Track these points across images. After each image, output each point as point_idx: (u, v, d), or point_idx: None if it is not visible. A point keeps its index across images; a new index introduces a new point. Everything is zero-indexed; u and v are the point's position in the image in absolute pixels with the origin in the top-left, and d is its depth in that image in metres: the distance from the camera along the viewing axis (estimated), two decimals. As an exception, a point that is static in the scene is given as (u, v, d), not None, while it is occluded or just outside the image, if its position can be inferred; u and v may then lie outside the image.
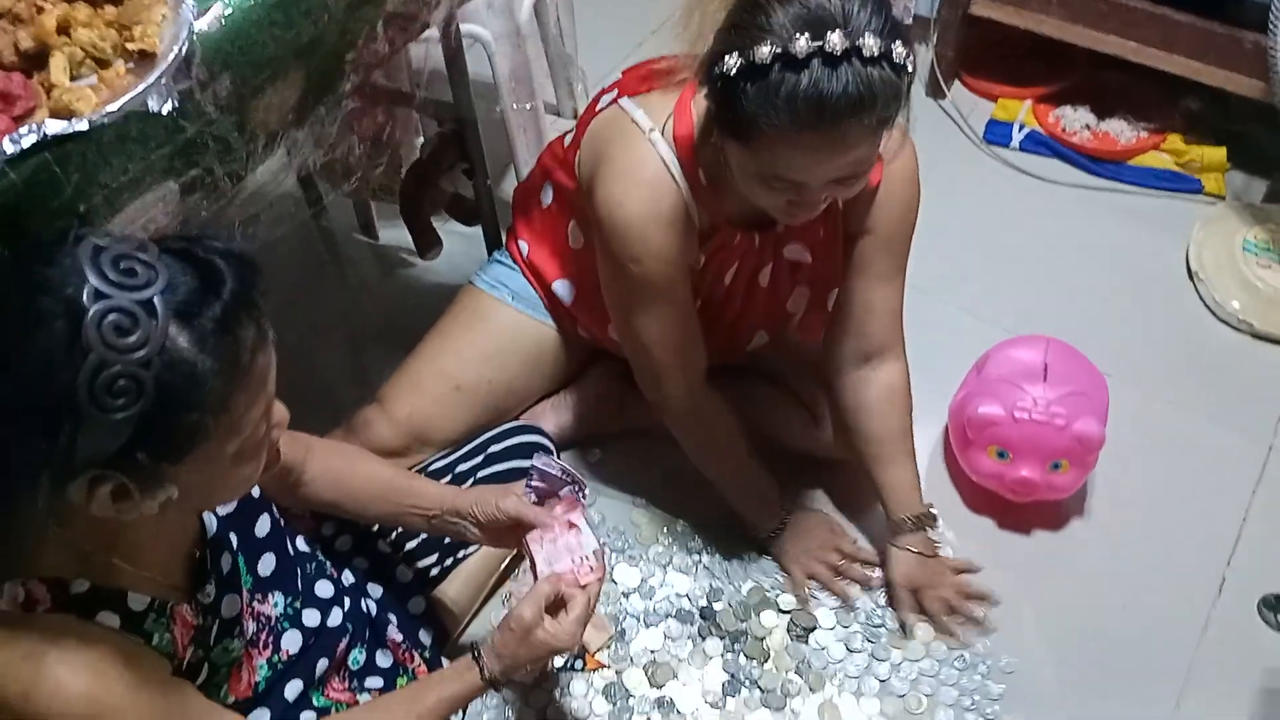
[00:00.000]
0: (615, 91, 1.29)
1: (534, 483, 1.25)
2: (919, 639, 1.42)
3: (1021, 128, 2.13)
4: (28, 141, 0.76)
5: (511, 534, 1.22)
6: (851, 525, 1.56)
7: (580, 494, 1.25)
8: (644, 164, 1.22)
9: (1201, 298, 1.85)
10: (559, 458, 1.50)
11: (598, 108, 1.31)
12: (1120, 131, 2.10)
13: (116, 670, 0.86)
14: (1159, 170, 2.06)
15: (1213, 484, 1.60)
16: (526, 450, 1.49)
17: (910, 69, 1.03)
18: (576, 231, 1.44)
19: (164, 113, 0.82)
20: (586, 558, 1.17)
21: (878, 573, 1.48)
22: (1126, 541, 1.54)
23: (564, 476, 1.25)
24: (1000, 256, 1.94)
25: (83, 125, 0.78)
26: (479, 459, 1.48)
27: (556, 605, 1.13)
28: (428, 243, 1.65)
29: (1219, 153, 2.03)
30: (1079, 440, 1.45)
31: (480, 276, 1.59)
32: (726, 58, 1.03)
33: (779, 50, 0.99)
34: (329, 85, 1.05)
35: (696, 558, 1.53)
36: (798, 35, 0.98)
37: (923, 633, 1.43)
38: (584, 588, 1.14)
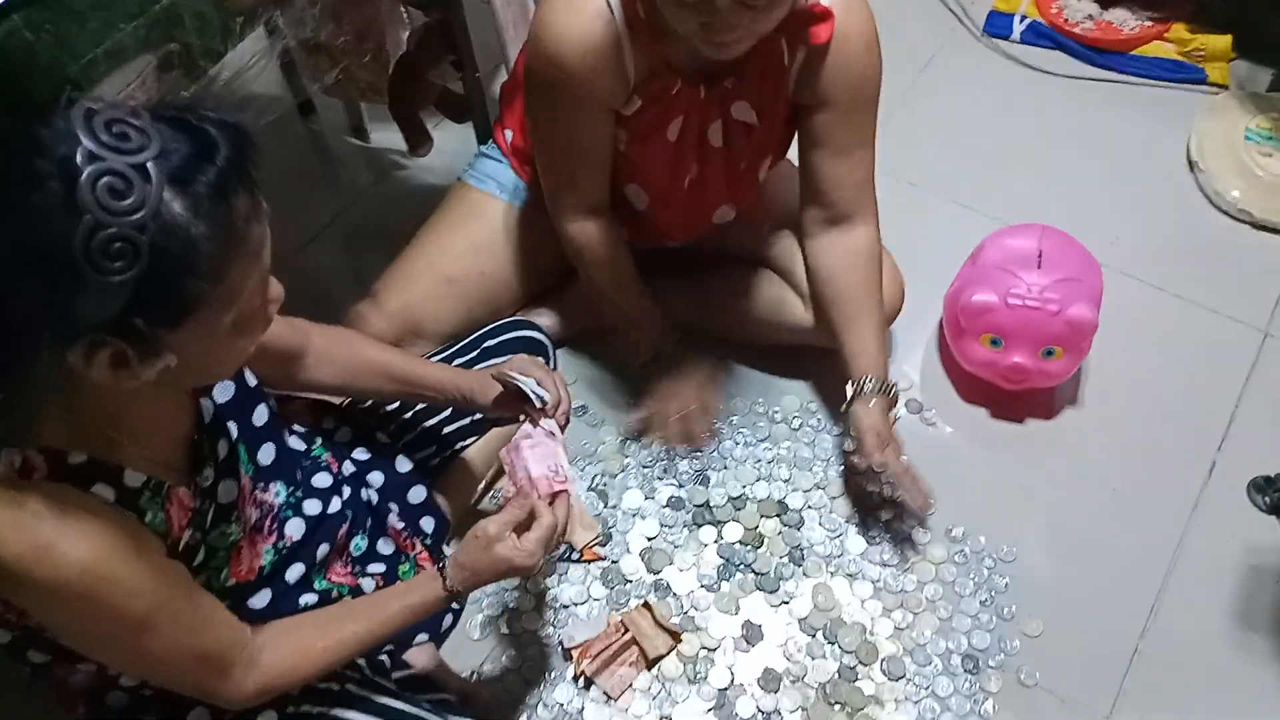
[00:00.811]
0: None
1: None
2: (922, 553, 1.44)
3: (1023, 19, 2.09)
4: (-7, 4, 0.74)
5: (512, 405, 1.26)
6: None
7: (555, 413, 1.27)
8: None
9: (1201, 187, 1.84)
10: (554, 354, 1.52)
11: None
12: (1124, 20, 2.06)
13: (111, 543, 0.87)
14: (1162, 60, 2.02)
15: (1207, 371, 1.61)
16: (521, 345, 1.50)
17: None
18: None
19: (135, -22, 0.81)
20: (561, 467, 1.20)
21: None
22: (1119, 428, 1.56)
23: (530, 393, 1.25)
24: (997, 149, 1.91)
25: (51, -13, 0.76)
26: (474, 354, 1.48)
27: (524, 526, 1.15)
28: (418, 140, 1.64)
29: (1224, 41, 2.00)
30: (1072, 326, 1.45)
31: (469, 172, 1.59)
32: None
33: None
34: (307, -39, 1.03)
35: (690, 457, 1.55)
36: None
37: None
38: (553, 500, 1.17)
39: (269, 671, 1.04)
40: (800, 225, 1.44)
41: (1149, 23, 2.04)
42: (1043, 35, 2.08)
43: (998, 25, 2.10)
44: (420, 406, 1.40)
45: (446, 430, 1.42)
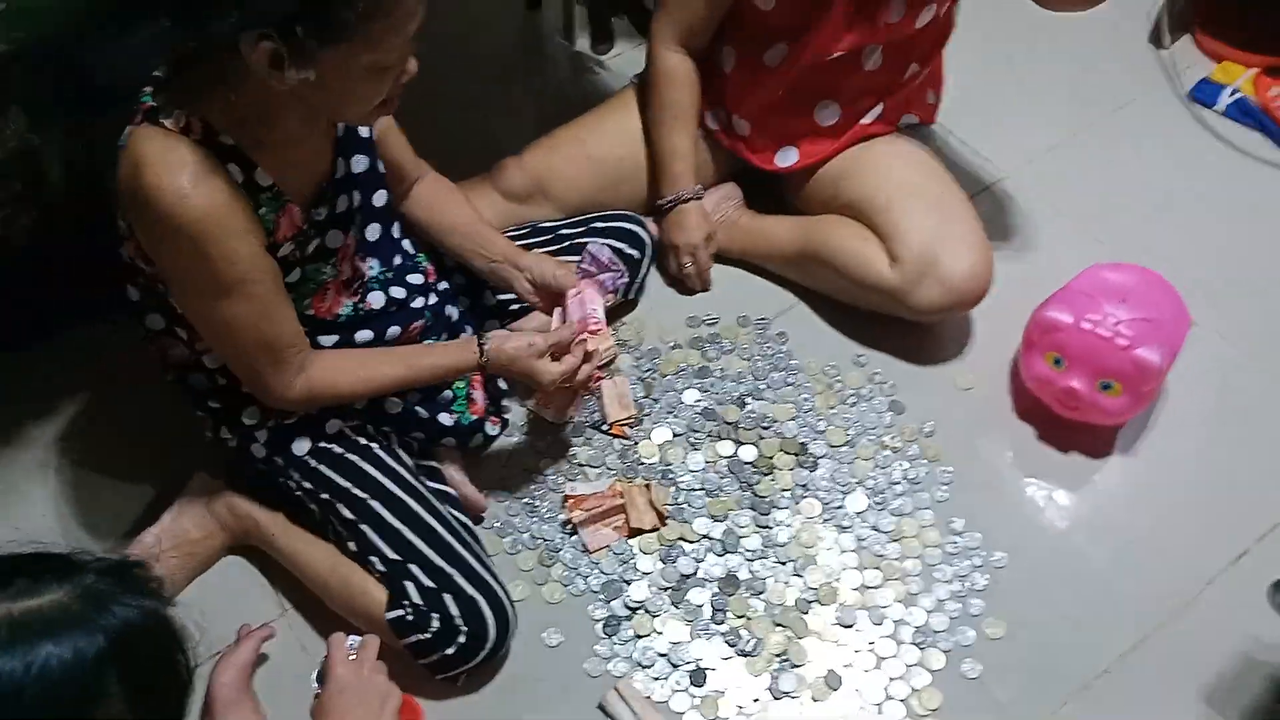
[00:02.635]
0: None
1: (584, 264, 1.49)
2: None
3: (1234, 93, 2.03)
4: None
5: (551, 296, 1.46)
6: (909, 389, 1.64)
7: (618, 281, 1.51)
8: None
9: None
10: (650, 253, 1.67)
11: None
12: (1341, 120, 1.96)
13: (228, 208, 1.09)
14: (1368, 169, 1.92)
15: (1273, 467, 1.55)
16: (624, 235, 1.65)
17: None
18: (729, 52, 1.60)
19: None
20: (597, 313, 1.42)
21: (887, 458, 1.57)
22: (1163, 488, 1.53)
23: (610, 263, 1.50)
24: (1156, 205, 1.88)
25: None
26: (580, 229, 1.65)
27: (561, 353, 1.37)
28: (601, 36, 1.82)
29: None
30: (1136, 365, 1.44)
31: (638, 76, 1.75)
32: None
33: None
34: None
35: (739, 381, 1.65)
36: None
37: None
38: (589, 336, 1.39)
39: (314, 379, 1.25)
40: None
41: (1367, 129, 1.94)
42: (1248, 114, 2.01)
43: (1205, 93, 2.04)
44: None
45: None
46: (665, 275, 1.76)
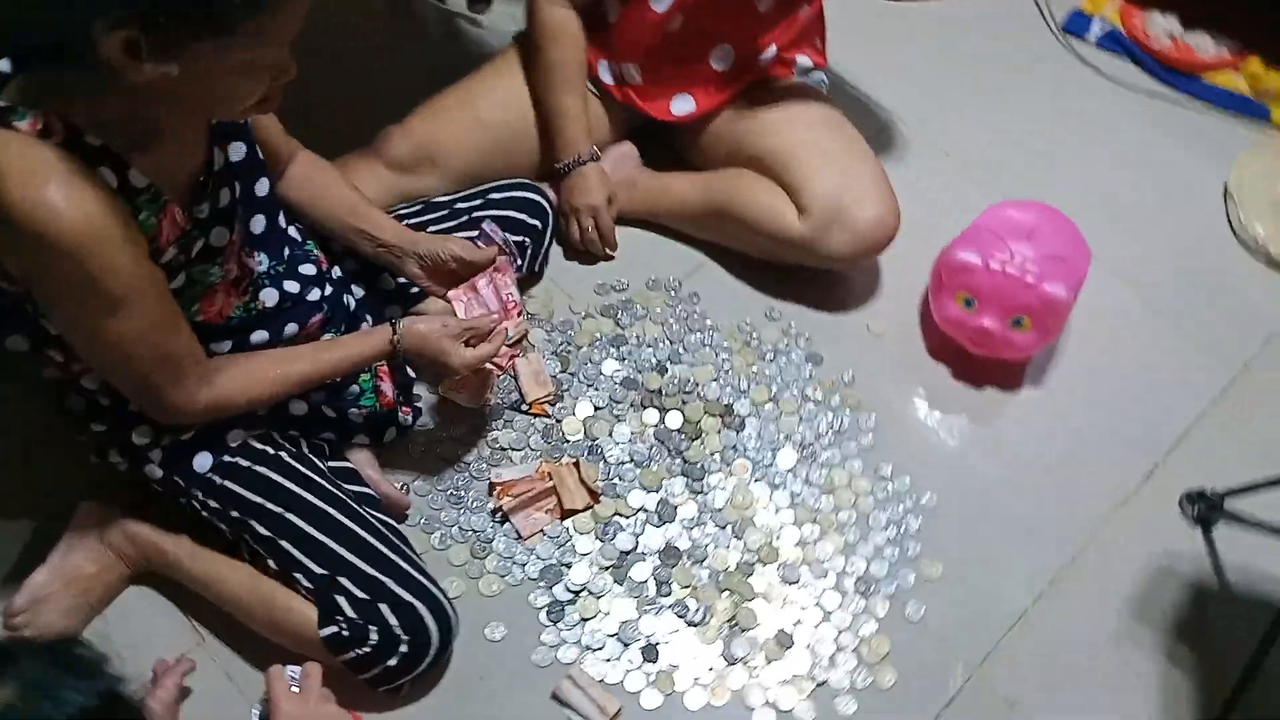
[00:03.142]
0: None
1: (479, 241, 1.42)
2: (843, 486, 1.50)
3: (1103, 23, 2.08)
4: None
5: (447, 277, 1.39)
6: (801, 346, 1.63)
7: (515, 264, 1.44)
8: None
9: (1228, 216, 1.83)
10: (552, 220, 1.60)
11: None
12: (1203, 45, 2.04)
13: (104, 218, 0.96)
14: (1230, 92, 2.01)
15: (1177, 384, 1.63)
16: (523, 204, 1.58)
17: None
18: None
19: None
20: (512, 295, 1.37)
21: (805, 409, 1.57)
22: (1073, 416, 1.58)
23: (505, 246, 1.43)
24: (1040, 137, 1.93)
25: None
26: (478, 201, 1.56)
27: (478, 340, 1.32)
28: (478, -2, 1.71)
29: (1296, 84, 1.97)
30: (1044, 301, 1.48)
31: (521, 33, 1.66)
32: None
33: None
34: None
35: (656, 347, 1.62)
36: None
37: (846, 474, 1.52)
38: (505, 322, 1.34)
39: (222, 389, 1.15)
40: None
41: (1226, 53, 2.03)
42: (1118, 43, 2.07)
43: (1077, 24, 2.10)
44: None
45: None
46: (568, 244, 1.70)
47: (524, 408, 1.53)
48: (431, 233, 1.49)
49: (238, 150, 1.20)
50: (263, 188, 1.25)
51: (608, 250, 1.69)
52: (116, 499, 1.34)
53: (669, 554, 1.41)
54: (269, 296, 1.28)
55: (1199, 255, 1.79)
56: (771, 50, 1.61)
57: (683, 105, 1.65)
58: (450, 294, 1.40)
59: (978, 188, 1.80)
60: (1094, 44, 2.09)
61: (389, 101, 1.71)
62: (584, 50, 1.60)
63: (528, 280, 1.65)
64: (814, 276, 1.65)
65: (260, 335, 1.27)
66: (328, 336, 1.37)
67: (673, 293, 1.66)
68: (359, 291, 1.46)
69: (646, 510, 1.45)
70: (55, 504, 1.35)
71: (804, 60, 1.68)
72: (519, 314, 1.39)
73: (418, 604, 1.23)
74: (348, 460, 1.40)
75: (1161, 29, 2.07)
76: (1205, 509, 1.47)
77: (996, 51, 2.05)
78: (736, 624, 1.36)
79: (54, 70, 0.95)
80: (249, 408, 1.20)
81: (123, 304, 1.01)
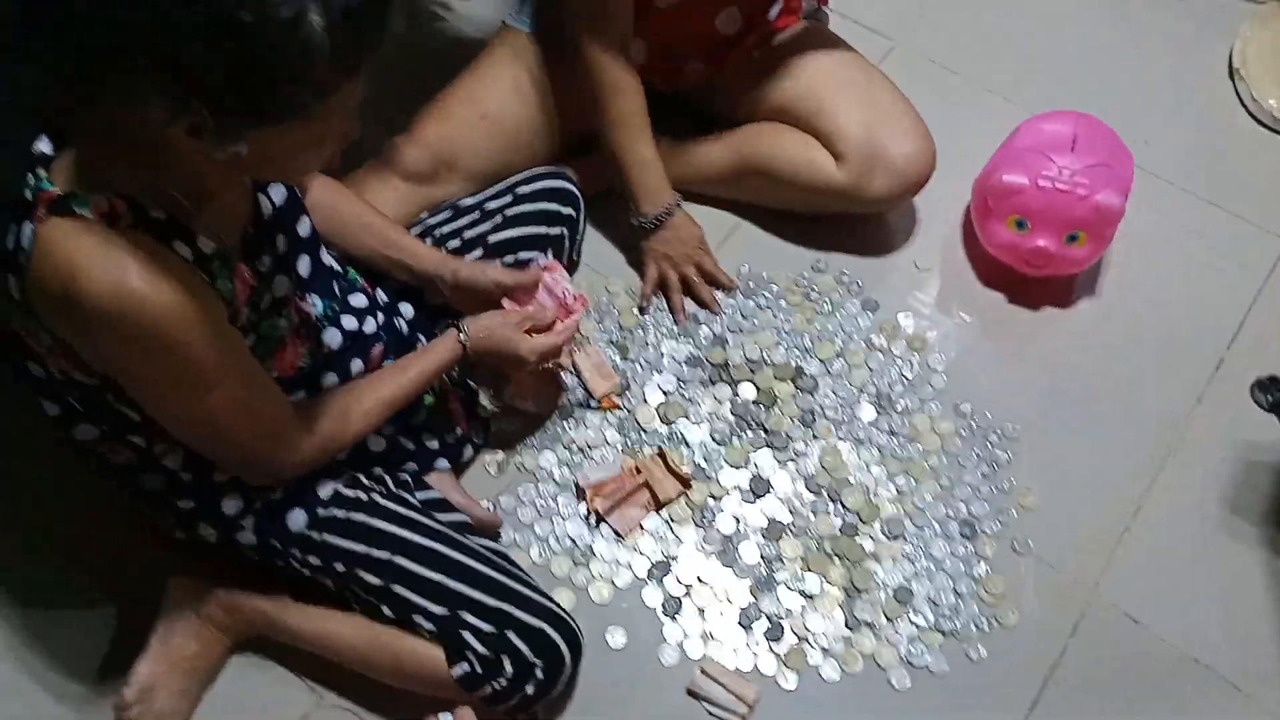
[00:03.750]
0: None
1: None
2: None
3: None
4: None
5: (482, 304, 1.33)
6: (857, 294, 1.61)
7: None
8: None
9: (1239, 94, 1.83)
10: (583, 205, 1.54)
11: None
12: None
13: (189, 295, 0.91)
14: (1217, -37, 1.99)
15: (1224, 272, 1.63)
16: (552, 194, 1.51)
17: None
18: None
19: None
20: (568, 290, 1.34)
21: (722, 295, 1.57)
22: (1133, 320, 1.59)
23: (556, 292, 1.36)
24: (1038, 41, 1.90)
25: None
26: (507, 198, 1.50)
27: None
28: (461, -20, 1.62)
29: (1283, -49, 1.96)
30: (1098, 211, 1.46)
31: (512, 15, 1.59)
32: None
33: None
34: None
35: (710, 319, 1.58)
36: None
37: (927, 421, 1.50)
38: (570, 314, 1.33)
39: (323, 434, 1.12)
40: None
41: (1207, -74, 2.00)
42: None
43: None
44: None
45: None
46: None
47: (593, 403, 1.49)
48: (468, 238, 1.44)
49: (279, 193, 1.13)
50: (304, 227, 1.18)
51: (722, 293, 1.58)
52: (204, 571, 1.28)
53: (772, 529, 1.39)
54: (332, 338, 1.22)
55: (1219, 136, 1.79)
56: (778, 4, 1.55)
57: (691, 71, 1.59)
58: (504, 303, 1.35)
59: (983, 102, 1.78)
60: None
61: (380, 103, 1.62)
62: (643, 93, 1.48)
63: (567, 270, 1.59)
64: (851, 221, 1.62)
65: (331, 378, 1.22)
66: (388, 363, 1.33)
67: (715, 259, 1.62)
68: (408, 311, 1.40)
69: (740, 488, 1.43)
70: (140, 587, 1.29)
71: (808, 2, 1.63)
72: (582, 305, 1.35)
73: (545, 626, 1.20)
74: (433, 489, 1.35)
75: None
76: (1277, 396, 1.48)
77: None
78: (854, 587, 1.35)
79: (112, 148, 0.88)
80: (353, 443, 1.18)
81: (216, 378, 0.96)
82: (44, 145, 0.90)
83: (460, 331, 1.26)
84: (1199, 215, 1.69)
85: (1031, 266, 1.54)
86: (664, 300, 1.58)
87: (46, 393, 1.08)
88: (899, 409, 1.49)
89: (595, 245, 1.64)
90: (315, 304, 1.21)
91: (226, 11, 0.76)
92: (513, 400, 1.46)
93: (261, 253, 1.07)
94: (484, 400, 1.44)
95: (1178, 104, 1.82)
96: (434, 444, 1.36)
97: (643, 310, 1.56)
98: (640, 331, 1.55)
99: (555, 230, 1.49)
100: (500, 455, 1.45)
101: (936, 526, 1.40)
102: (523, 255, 1.45)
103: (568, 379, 1.50)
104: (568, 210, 1.52)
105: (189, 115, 0.81)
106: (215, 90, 0.80)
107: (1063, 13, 1.94)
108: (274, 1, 0.77)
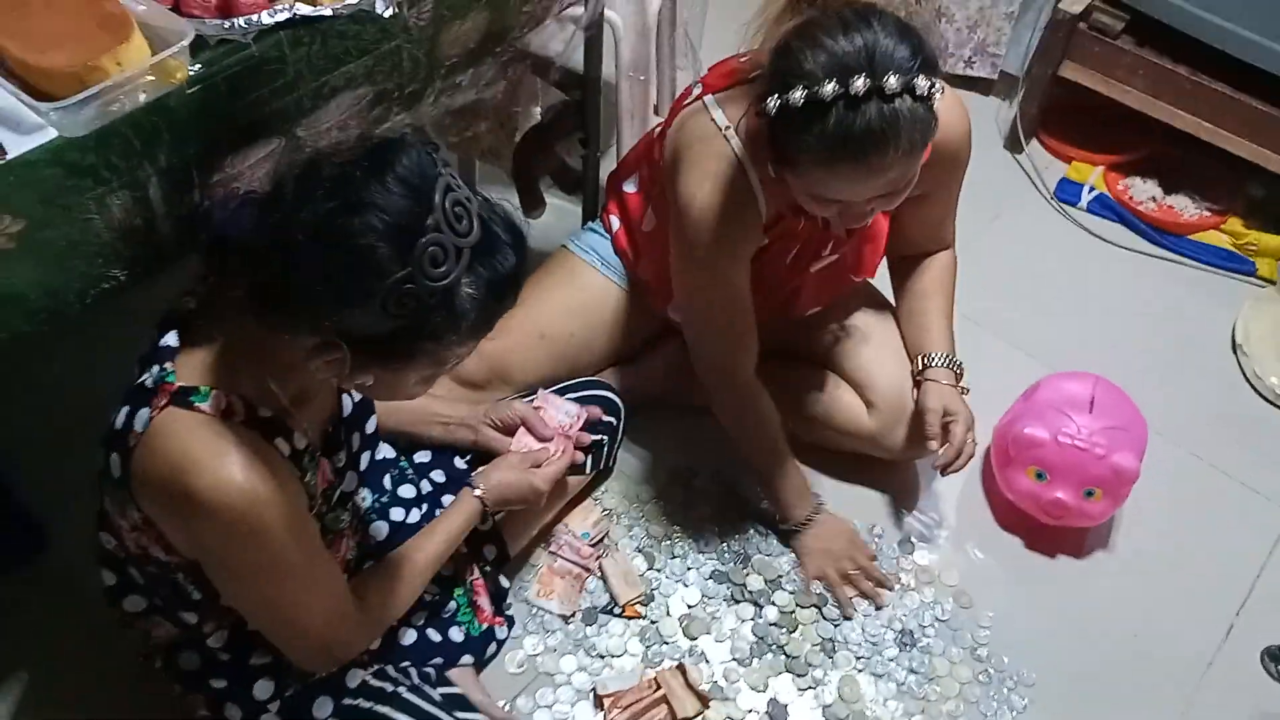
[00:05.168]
0: (700, 87, 1.41)
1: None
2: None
3: (1091, 190, 2.24)
4: (281, 17, 0.87)
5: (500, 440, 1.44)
6: (880, 534, 1.66)
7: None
8: (718, 160, 1.34)
9: (1243, 369, 1.94)
10: (623, 414, 1.62)
11: (685, 101, 1.42)
12: (1184, 207, 2.20)
13: (285, 491, 0.97)
14: (1217, 248, 2.16)
15: (1233, 538, 1.69)
16: (598, 402, 1.59)
17: (937, 96, 1.13)
18: (650, 216, 1.56)
19: (385, 15, 0.94)
20: (569, 414, 1.48)
21: (887, 594, 1.57)
22: (1145, 577, 1.63)
23: (563, 423, 1.49)
24: (1056, 303, 2.03)
25: (325, 11, 0.90)
26: (551, 404, 1.58)
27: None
28: (533, 202, 1.77)
29: (1276, 240, 2.13)
30: (1115, 472, 1.54)
31: (573, 241, 1.71)
32: (769, 100, 1.15)
33: (809, 94, 1.11)
34: (504, 32, 1.17)
35: (734, 538, 1.62)
36: (826, 81, 1.10)
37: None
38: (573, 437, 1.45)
39: (375, 611, 1.17)
40: (892, 268, 1.60)
41: (1207, 213, 2.19)
42: (1108, 208, 2.22)
43: (1068, 192, 2.25)
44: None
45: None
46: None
47: (617, 610, 1.51)
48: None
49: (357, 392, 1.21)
50: (371, 425, 1.25)
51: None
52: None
53: (787, 758, 1.39)
54: (378, 530, 1.28)
55: (1225, 407, 1.89)
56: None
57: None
58: (512, 442, 1.45)
59: (1012, 358, 1.89)
60: (1085, 210, 2.24)
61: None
62: (771, 404, 1.55)
63: (600, 476, 1.66)
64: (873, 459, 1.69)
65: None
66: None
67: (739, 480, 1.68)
68: (449, 500, 1.45)
69: (757, 712, 1.43)
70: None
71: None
72: (580, 419, 1.49)
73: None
74: (455, 685, 1.36)
75: (1144, 194, 2.23)
76: (1287, 666, 1.51)
77: (997, 224, 2.18)
78: (868, 829, 1.34)
79: (238, 354, 0.96)
80: (400, 614, 1.23)
81: (301, 569, 1.01)
82: (171, 339, 0.98)
83: (474, 489, 1.32)
84: (1207, 480, 1.77)
85: (1049, 516, 1.60)
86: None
87: (109, 563, 1.11)
88: (920, 645, 1.51)
89: (630, 454, 1.70)
90: (365, 498, 1.27)
91: (394, 282, 0.86)
92: (538, 599, 1.49)
93: (339, 449, 1.14)
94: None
95: (1187, 372, 1.93)
96: (459, 637, 1.38)
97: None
98: (668, 542, 1.60)
99: (596, 435, 1.56)
100: (521, 655, 1.46)
101: (952, 771, 1.40)
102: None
103: (593, 583, 1.53)
104: (609, 419, 1.60)
105: (333, 353, 0.90)
106: (366, 341, 0.89)
107: (1083, 278, 2.09)
108: (435, 275, 0.87)
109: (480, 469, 1.37)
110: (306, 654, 1.13)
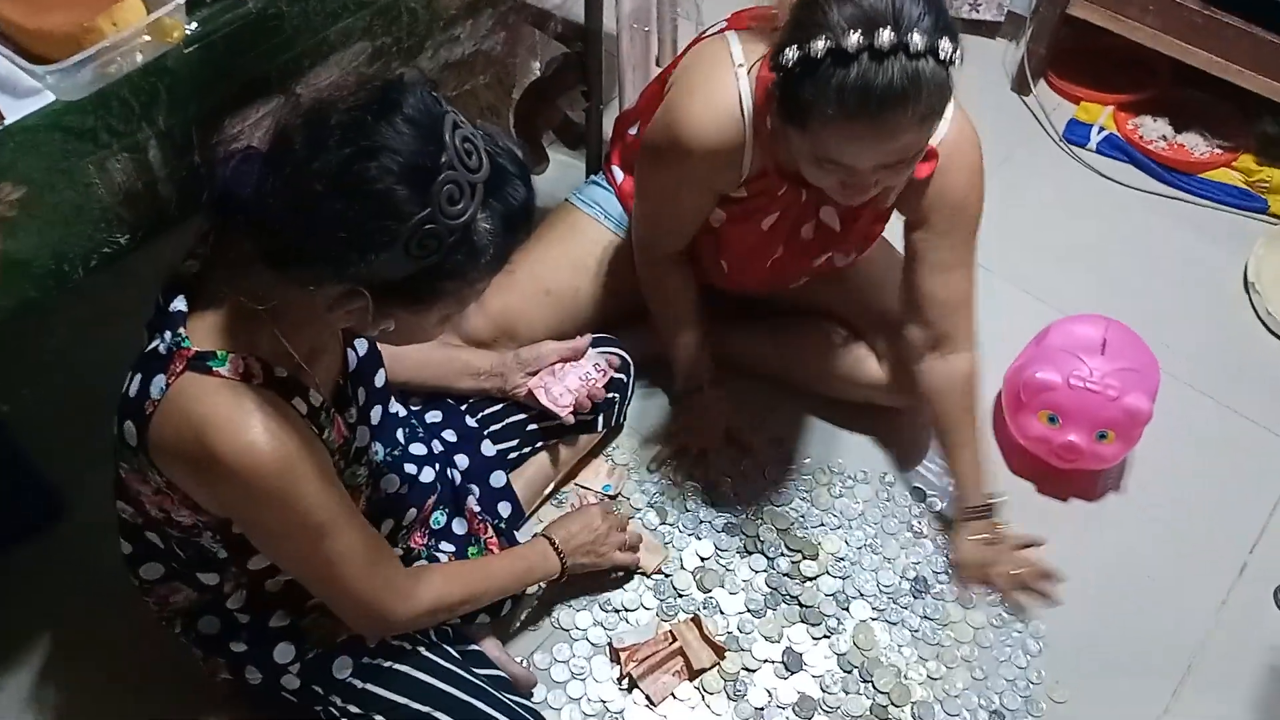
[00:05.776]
0: (724, 23, 1.38)
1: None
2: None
3: (1100, 130, 2.21)
4: (274, -27, 0.86)
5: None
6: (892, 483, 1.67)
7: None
8: (722, 92, 1.31)
9: (1255, 308, 1.93)
10: (633, 369, 1.61)
11: (707, 32, 1.40)
12: (1195, 145, 2.17)
13: (306, 449, 0.98)
14: (1228, 186, 2.13)
15: (1245, 478, 1.69)
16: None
17: (957, 62, 1.10)
18: None
19: (381, -31, 0.92)
20: (597, 364, 1.50)
21: (898, 541, 1.57)
22: (1157, 519, 1.63)
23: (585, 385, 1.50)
24: (1066, 246, 2.02)
25: (320, -34, 0.88)
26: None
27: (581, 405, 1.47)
28: (537, 158, 1.75)
29: (1288, 176, 2.10)
30: (1127, 413, 1.53)
31: (577, 195, 1.69)
32: (787, 50, 1.11)
33: (832, 45, 1.08)
34: (501, -19, 1.14)
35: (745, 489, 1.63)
36: (850, 32, 1.07)
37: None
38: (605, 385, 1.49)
39: (424, 601, 1.16)
40: (904, 344, 1.52)
41: (1219, 150, 2.16)
42: (1117, 148, 2.19)
43: (1076, 133, 2.22)
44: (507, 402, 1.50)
45: (530, 428, 1.51)
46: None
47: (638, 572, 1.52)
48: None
49: (362, 346, 1.20)
50: (380, 379, 1.25)
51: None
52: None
53: (804, 705, 1.40)
54: (389, 484, 1.28)
55: (1237, 346, 1.88)
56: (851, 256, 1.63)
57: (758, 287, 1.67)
58: (530, 383, 1.47)
59: (1023, 303, 1.88)
60: (1094, 151, 2.21)
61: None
62: (687, 292, 1.59)
63: (612, 433, 1.66)
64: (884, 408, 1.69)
65: (386, 524, 1.27)
66: (439, 513, 1.37)
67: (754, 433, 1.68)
68: (462, 461, 1.45)
69: (773, 661, 1.44)
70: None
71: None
72: (605, 375, 1.51)
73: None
74: (472, 642, 1.37)
75: (1155, 133, 2.20)
76: (1301, 604, 1.52)
77: (1006, 166, 2.15)
78: (884, 772, 1.35)
79: (251, 313, 0.95)
80: (458, 608, 1.24)
81: (332, 525, 1.02)
82: (180, 304, 0.97)
83: (561, 559, 1.35)
84: (1220, 420, 1.76)
85: (1062, 460, 1.60)
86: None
87: (125, 532, 1.12)
88: (934, 593, 1.52)
89: (640, 409, 1.70)
90: (377, 451, 1.27)
91: (416, 224, 0.85)
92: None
93: (349, 404, 1.14)
94: None
95: (1198, 312, 1.92)
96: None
97: (649, 469, 1.63)
98: (680, 496, 1.60)
99: (610, 395, 1.56)
100: (537, 610, 1.47)
101: (966, 715, 1.41)
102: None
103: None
104: (619, 375, 1.59)
105: (356, 301, 0.89)
106: (389, 286, 0.88)
107: (1092, 220, 2.07)
108: (453, 213, 0.86)
109: (554, 528, 1.40)
110: (357, 618, 1.14)
